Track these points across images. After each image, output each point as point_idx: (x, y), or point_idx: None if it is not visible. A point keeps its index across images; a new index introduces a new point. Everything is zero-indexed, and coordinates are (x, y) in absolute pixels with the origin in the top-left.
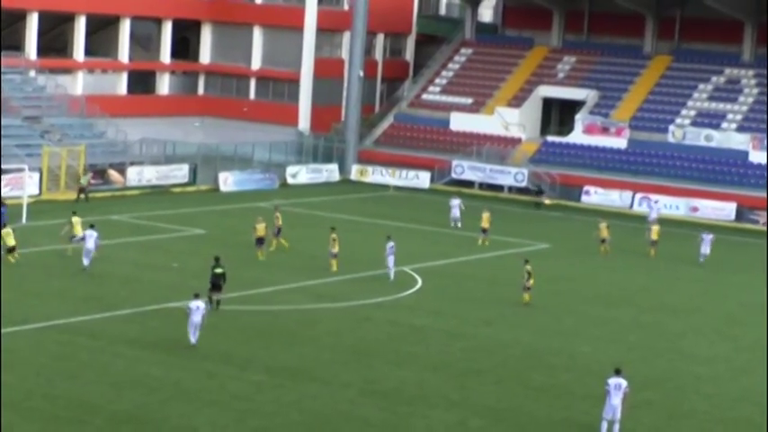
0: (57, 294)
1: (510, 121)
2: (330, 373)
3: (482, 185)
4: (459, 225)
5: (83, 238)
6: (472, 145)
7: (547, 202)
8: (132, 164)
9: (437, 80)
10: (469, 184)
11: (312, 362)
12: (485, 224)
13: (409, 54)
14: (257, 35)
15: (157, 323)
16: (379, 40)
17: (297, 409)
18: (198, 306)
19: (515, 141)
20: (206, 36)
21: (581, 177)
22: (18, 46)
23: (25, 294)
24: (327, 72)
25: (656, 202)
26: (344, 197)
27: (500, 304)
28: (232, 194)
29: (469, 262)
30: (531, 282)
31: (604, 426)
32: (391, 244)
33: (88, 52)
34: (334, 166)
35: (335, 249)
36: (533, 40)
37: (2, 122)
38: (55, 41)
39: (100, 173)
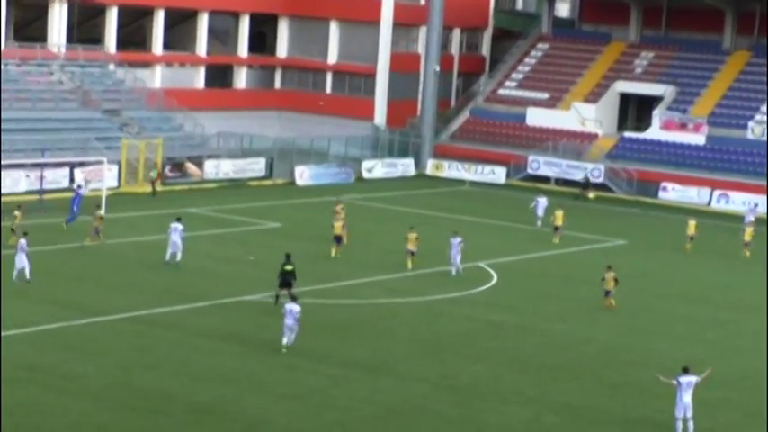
0: (136, 286)
1: (587, 116)
2: (405, 368)
3: (558, 181)
4: (540, 224)
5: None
6: (548, 140)
7: (591, 195)
8: (209, 157)
9: (513, 75)
10: (545, 179)
11: (387, 356)
12: (558, 222)
13: (485, 49)
14: (334, 29)
15: (234, 315)
16: (456, 34)
17: (372, 402)
18: (291, 309)
19: (592, 137)
20: (283, 30)
21: (658, 173)
22: (98, 39)
23: (105, 286)
24: (403, 66)
25: (756, 205)
26: (420, 192)
27: (575, 301)
28: (308, 188)
29: (545, 258)
30: (613, 285)
31: (679, 425)
32: (458, 239)
33: (166, 46)
34: (409, 161)
35: (414, 248)
36: (611, 35)
37: (82, 115)
38: (134, 35)
39: (177, 166)
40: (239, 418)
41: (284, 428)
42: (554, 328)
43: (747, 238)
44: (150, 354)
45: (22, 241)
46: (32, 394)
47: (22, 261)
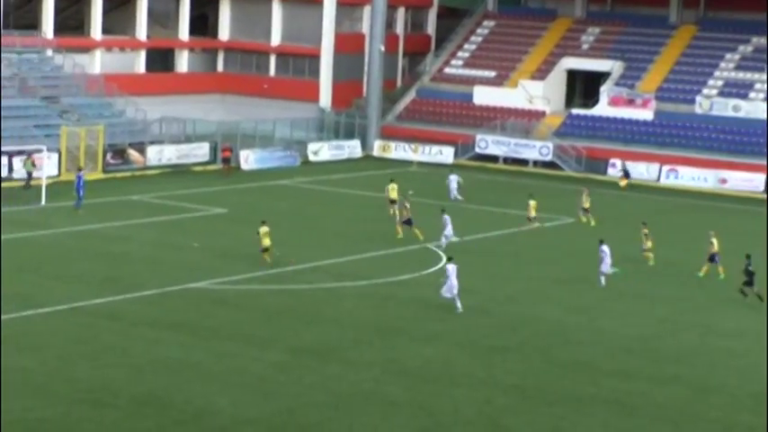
0: (77, 277)
1: (534, 93)
2: (354, 353)
3: (506, 160)
4: (460, 198)
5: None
6: (496, 119)
7: (622, 184)
8: (152, 143)
9: (459, 53)
10: (494, 158)
11: (335, 341)
12: (532, 212)
13: (431, 27)
14: (276, 10)
15: (178, 304)
16: (400, 13)
17: (321, 389)
18: None
19: (540, 114)
20: (225, 12)
21: (607, 150)
22: (35, 25)
23: (45, 277)
24: (348, 47)
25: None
26: (367, 173)
27: (524, 280)
28: (253, 173)
29: (494, 238)
30: (650, 244)
31: None
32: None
33: (105, 30)
34: (356, 143)
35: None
36: (557, 12)
37: (20, 103)
38: (71, 20)
39: (119, 153)
40: (185, 408)
41: (232, 417)
42: (503, 309)
43: (586, 204)
44: (93, 345)
45: (450, 267)
46: None
47: (451, 288)
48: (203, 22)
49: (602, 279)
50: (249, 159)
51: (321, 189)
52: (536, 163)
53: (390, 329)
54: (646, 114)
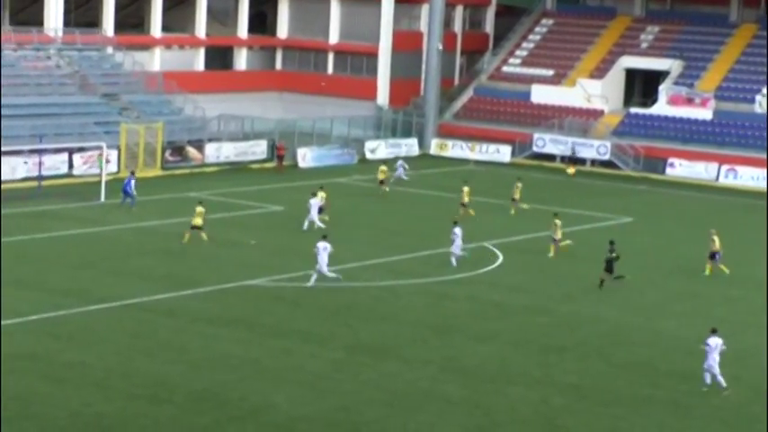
0: (135, 273)
1: (592, 92)
2: (410, 351)
3: (564, 159)
4: (405, 178)
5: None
6: (554, 118)
7: (570, 171)
8: (210, 140)
9: (517, 52)
10: (551, 157)
11: (392, 339)
12: (465, 198)
13: (489, 26)
14: (335, 8)
15: (236, 301)
16: (458, 11)
17: (376, 386)
18: (716, 344)
19: (598, 113)
20: (283, 10)
21: (665, 149)
22: (95, 22)
23: (104, 273)
24: (406, 45)
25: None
26: (424, 172)
27: (582, 279)
28: (310, 170)
29: (549, 237)
30: (560, 234)
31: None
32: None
33: (165, 28)
34: (413, 141)
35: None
36: (616, 10)
37: (80, 100)
38: (132, 17)
39: (178, 150)
40: (241, 404)
41: (288, 414)
42: (560, 308)
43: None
44: (150, 341)
45: (321, 244)
46: (32, 384)
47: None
48: (262, 20)
49: (454, 260)
50: (306, 157)
51: (378, 187)
52: (594, 162)
53: (446, 327)
54: (705, 114)
